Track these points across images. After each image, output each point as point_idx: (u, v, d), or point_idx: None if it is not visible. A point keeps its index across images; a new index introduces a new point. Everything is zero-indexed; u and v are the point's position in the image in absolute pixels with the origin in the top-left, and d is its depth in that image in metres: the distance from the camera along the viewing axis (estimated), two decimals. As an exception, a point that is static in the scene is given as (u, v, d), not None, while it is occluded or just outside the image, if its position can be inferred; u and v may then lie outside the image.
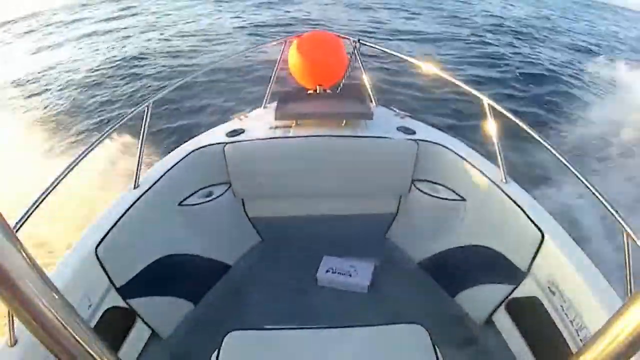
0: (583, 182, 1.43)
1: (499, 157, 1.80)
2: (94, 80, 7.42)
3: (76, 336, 0.45)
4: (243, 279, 2.09)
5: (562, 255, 1.44)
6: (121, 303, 1.57)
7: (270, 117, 2.17)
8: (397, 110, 2.38)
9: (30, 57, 9.24)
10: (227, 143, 2.03)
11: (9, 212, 0.43)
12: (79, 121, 5.83)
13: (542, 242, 1.54)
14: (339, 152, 2.07)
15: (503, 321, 1.74)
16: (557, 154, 1.56)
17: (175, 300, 1.85)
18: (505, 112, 1.77)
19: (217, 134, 2.12)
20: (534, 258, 1.58)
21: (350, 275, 2.04)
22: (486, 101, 1.84)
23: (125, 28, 10.97)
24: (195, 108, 5.85)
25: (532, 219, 1.59)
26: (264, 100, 2.47)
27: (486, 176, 1.85)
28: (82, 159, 1.44)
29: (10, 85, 7.49)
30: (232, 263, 2.16)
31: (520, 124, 1.71)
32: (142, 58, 8.25)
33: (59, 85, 7.28)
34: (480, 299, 1.84)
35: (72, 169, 1.39)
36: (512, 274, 1.68)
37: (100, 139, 1.56)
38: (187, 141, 2.10)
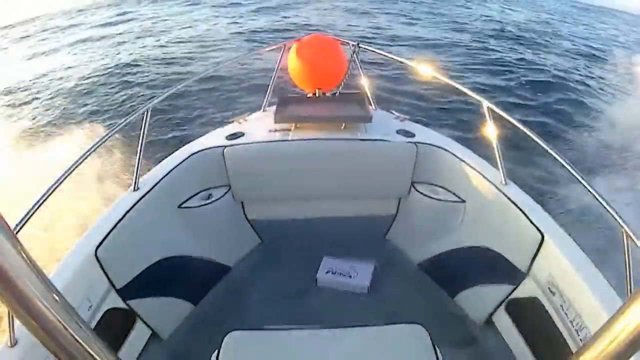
0: (582, 183, 1.44)
1: (498, 160, 1.80)
2: (95, 83, 7.44)
3: (76, 337, 0.45)
4: (243, 280, 2.09)
5: (562, 256, 1.44)
6: (121, 304, 1.57)
7: (269, 120, 2.17)
8: (396, 114, 2.38)
9: (24, 63, 9.25)
10: (226, 146, 2.03)
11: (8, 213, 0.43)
12: (69, 130, 5.72)
13: (542, 242, 1.54)
14: (339, 155, 2.08)
15: (503, 321, 1.74)
16: (557, 155, 1.56)
17: (175, 301, 1.85)
18: (504, 114, 1.78)
19: (216, 137, 2.13)
20: (533, 258, 1.58)
21: (350, 276, 2.04)
22: (485, 104, 1.84)
23: (121, 34, 10.98)
24: (191, 115, 5.83)
25: (532, 220, 1.59)
26: (264, 104, 2.47)
27: (486, 178, 1.86)
28: (82, 161, 1.45)
29: (1, 93, 7.50)
30: (232, 265, 2.16)
31: (519, 126, 1.72)
32: (136, 65, 8.20)
33: (50, 94, 7.24)
34: (480, 299, 1.84)
35: (72, 171, 1.39)
36: (512, 274, 1.68)
37: (101, 142, 1.57)
38: (186, 144, 2.10)
